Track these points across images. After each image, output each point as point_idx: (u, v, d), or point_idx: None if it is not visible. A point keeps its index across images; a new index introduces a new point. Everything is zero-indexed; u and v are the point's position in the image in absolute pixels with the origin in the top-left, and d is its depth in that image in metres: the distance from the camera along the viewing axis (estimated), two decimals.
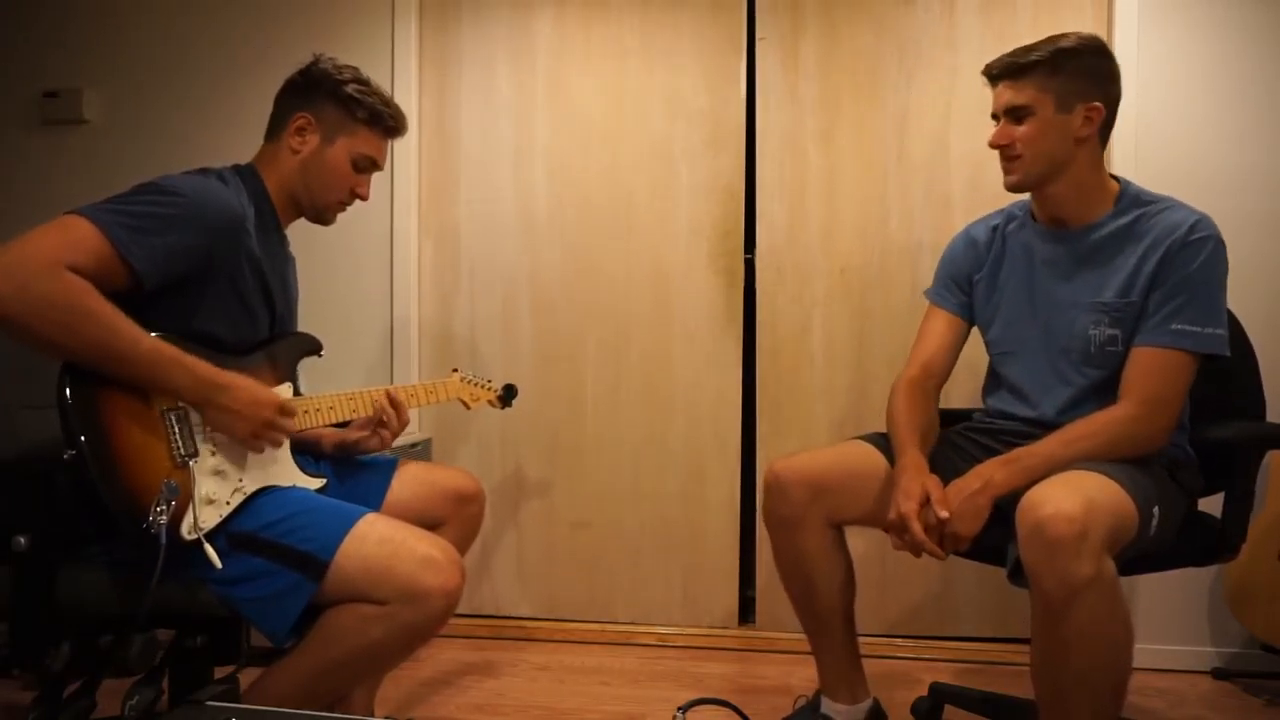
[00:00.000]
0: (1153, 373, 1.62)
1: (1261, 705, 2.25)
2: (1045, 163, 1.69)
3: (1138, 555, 1.56)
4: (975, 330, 1.91)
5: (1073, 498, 1.40)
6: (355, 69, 1.69)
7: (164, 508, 1.32)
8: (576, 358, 2.73)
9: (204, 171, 1.57)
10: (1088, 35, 1.70)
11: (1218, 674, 2.40)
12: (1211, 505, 1.76)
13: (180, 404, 1.43)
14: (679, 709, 1.76)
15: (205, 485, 1.42)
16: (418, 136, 2.74)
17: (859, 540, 2.28)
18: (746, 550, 2.71)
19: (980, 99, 2.53)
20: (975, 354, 1.93)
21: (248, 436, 1.47)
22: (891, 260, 2.59)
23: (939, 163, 2.57)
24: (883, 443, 1.81)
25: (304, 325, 1.76)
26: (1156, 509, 1.53)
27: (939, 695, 2.03)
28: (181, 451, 1.41)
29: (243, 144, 1.74)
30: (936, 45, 2.57)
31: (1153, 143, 2.42)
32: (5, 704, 2.14)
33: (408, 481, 1.74)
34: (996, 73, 1.72)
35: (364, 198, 1.73)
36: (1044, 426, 1.69)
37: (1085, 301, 1.70)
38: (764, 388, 2.65)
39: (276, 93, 1.69)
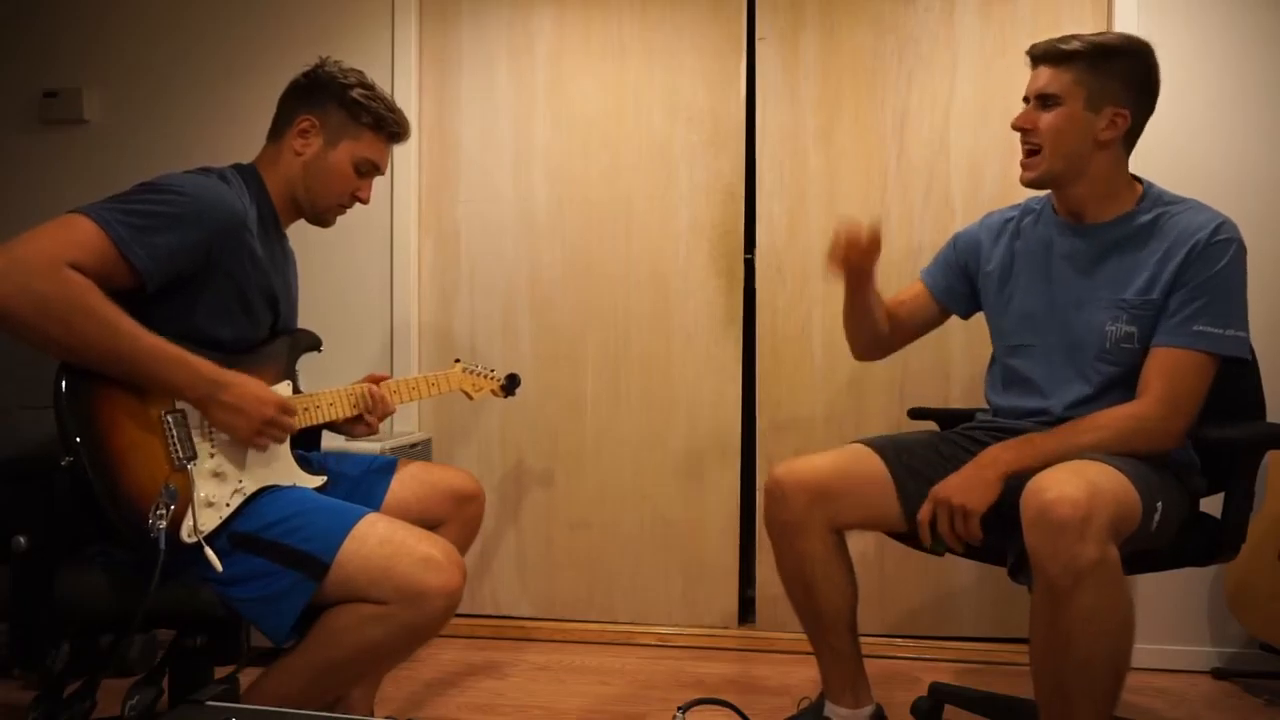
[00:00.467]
0: (1172, 372, 1.61)
1: (1261, 705, 2.25)
2: (1064, 162, 1.69)
3: (1138, 551, 1.56)
4: (973, 331, 1.91)
5: (1077, 482, 1.40)
6: (361, 73, 1.69)
7: (163, 512, 1.32)
8: (576, 358, 2.73)
9: (205, 170, 1.57)
10: (1137, 38, 1.70)
11: (1217, 674, 2.40)
12: (1211, 505, 1.76)
13: (178, 406, 1.43)
14: (679, 709, 1.76)
15: (204, 488, 1.42)
16: (418, 136, 2.74)
17: (859, 541, 2.28)
18: (746, 550, 2.71)
19: (980, 99, 2.54)
20: (976, 354, 1.93)
21: (251, 434, 1.47)
22: (891, 260, 2.58)
23: (939, 163, 2.57)
24: (883, 446, 1.81)
25: (304, 325, 1.76)
26: (1160, 503, 1.53)
27: (939, 695, 2.03)
28: (180, 455, 1.41)
29: (243, 144, 1.74)
30: (936, 45, 2.57)
31: (1153, 143, 2.40)
32: (5, 704, 2.14)
33: (408, 481, 1.74)
34: (1039, 54, 1.71)
35: (364, 201, 1.73)
36: (1050, 420, 1.69)
37: (1104, 298, 1.69)
38: (764, 388, 2.65)
39: (281, 94, 1.69)
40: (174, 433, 1.41)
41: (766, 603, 2.65)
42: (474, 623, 2.72)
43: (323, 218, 1.72)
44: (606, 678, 2.40)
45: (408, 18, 2.72)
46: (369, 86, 1.68)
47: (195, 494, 1.40)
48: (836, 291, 2.61)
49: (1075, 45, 1.66)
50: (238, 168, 1.64)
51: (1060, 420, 1.66)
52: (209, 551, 1.38)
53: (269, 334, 1.64)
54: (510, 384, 2.01)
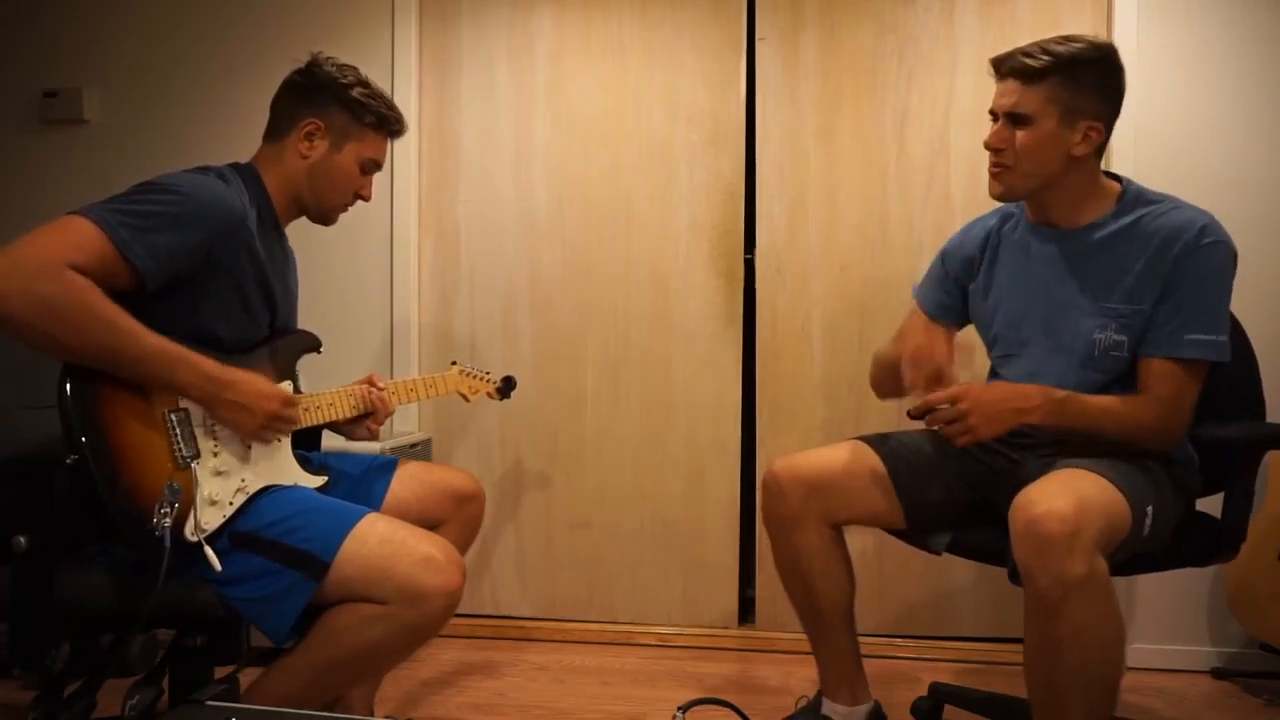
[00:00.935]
0: (1170, 380, 1.62)
1: (1261, 705, 2.25)
2: (1034, 179, 1.67)
3: (1133, 555, 1.56)
4: (973, 331, 1.91)
5: (1065, 496, 1.41)
6: (355, 69, 1.69)
7: (167, 510, 1.32)
8: (576, 358, 2.73)
9: (204, 170, 1.57)
10: (1103, 43, 1.66)
11: (1217, 674, 2.40)
12: (1211, 505, 1.76)
13: (181, 405, 1.43)
14: (679, 709, 1.75)
15: (208, 486, 1.42)
16: (418, 136, 2.74)
17: (858, 541, 2.28)
18: (746, 550, 2.71)
19: (980, 99, 2.54)
20: (976, 354, 1.93)
21: (256, 430, 1.47)
22: (891, 260, 2.59)
23: (939, 162, 2.57)
24: (880, 443, 1.81)
25: (304, 325, 1.76)
26: (1150, 509, 1.54)
27: (939, 695, 2.03)
28: (184, 453, 1.41)
29: (243, 144, 1.74)
30: (936, 45, 2.57)
31: (1153, 143, 2.42)
32: (5, 704, 2.14)
33: (407, 481, 1.74)
34: (1006, 69, 1.66)
35: (367, 199, 1.74)
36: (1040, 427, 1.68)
37: (1088, 303, 1.68)
38: (764, 388, 2.65)
39: (275, 92, 1.69)
40: (177, 431, 1.41)
41: (766, 603, 2.65)
42: (474, 623, 2.72)
43: (327, 217, 1.73)
44: (606, 678, 2.40)
45: (408, 18, 2.72)
46: (366, 84, 1.68)
47: (199, 492, 1.41)
48: (837, 291, 2.63)
49: (1045, 60, 1.60)
50: (236, 167, 1.64)
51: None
52: (208, 551, 1.38)
53: (268, 333, 1.64)
54: (506, 387, 2.01)
